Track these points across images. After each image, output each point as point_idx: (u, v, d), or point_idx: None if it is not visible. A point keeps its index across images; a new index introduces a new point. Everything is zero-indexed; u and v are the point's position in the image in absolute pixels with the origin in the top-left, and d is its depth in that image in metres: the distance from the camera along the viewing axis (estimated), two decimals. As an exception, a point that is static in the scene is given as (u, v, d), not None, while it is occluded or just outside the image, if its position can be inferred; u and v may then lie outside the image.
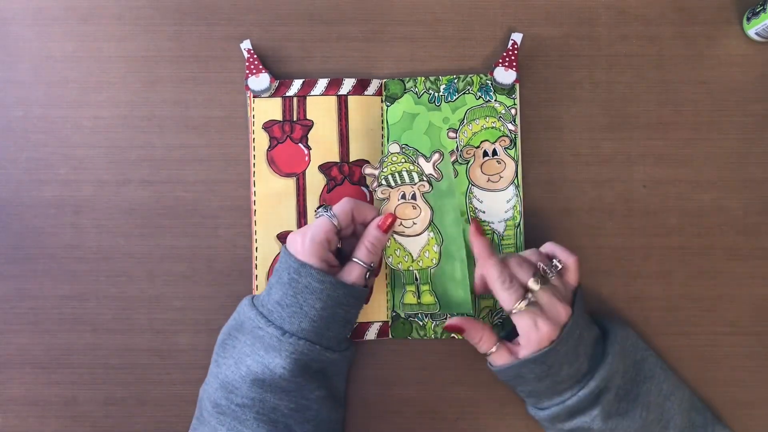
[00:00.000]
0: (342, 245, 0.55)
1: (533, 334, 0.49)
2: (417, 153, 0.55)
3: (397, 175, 0.53)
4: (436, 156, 0.53)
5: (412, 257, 0.55)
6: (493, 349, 0.52)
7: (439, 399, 0.58)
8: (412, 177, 0.53)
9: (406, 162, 0.53)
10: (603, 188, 0.59)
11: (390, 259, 0.55)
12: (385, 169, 0.54)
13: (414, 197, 0.53)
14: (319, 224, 0.50)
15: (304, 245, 0.49)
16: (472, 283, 0.54)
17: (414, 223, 0.54)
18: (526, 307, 0.49)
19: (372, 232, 0.52)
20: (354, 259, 0.51)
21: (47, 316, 0.58)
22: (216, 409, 0.49)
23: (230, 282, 0.58)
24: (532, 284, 0.50)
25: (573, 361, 0.50)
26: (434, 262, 0.55)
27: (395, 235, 0.54)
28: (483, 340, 0.52)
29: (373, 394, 0.58)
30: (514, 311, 0.49)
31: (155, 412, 0.58)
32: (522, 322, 0.49)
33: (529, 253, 0.53)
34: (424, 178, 0.53)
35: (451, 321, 0.53)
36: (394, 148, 0.54)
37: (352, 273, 0.50)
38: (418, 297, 0.56)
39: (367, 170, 0.55)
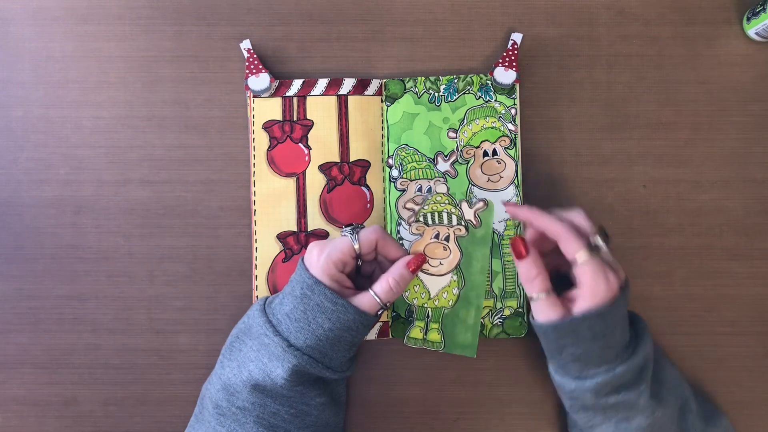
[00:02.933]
0: (362, 266, 0.53)
1: (602, 285, 0.46)
2: (462, 198, 0.54)
3: (437, 214, 0.53)
4: (480, 204, 0.52)
5: (429, 295, 0.54)
6: (543, 295, 0.48)
7: (439, 399, 0.58)
8: (451, 219, 0.52)
9: (449, 204, 0.53)
10: (603, 188, 0.59)
11: (407, 293, 0.54)
12: (426, 207, 0.53)
13: (447, 239, 0.53)
14: (339, 244, 0.49)
15: (319, 260, 0.48)
16: (479, 330, 0.54)
17: (441, 264, 0.53)
18: (592, 257, 0.46)
19: (399, 270, 0.49)
20: (371, 292, 0.49)
21: (47, 316, 0.58)
22: (217, 410, 0.49)
23: (230, 282, 0.58)
24: (598, 240, 0.47)
25: (624, 326, 0.48)
26: (450, 303, 0.54)
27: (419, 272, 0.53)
28: (538, 280, 0.48)
29: (373, 394, 0.58)
30: (579, 259, 0.46)
31: (155, 412, 0.58)
32: (591, 272, 0.46)
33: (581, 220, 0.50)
34: (462, 223, 0.52)
35: (519, 240, 0.49)
36: (442, 188, 0.53)
37: (364, 303, 0.48)
38: (425, 333, 0.55)
39: (408, 204, 0.54)
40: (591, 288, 0.46)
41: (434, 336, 0.55)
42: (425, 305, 0.54)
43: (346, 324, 0.48)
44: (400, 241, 0.58)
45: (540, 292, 0.48)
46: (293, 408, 0.49)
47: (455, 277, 0.53)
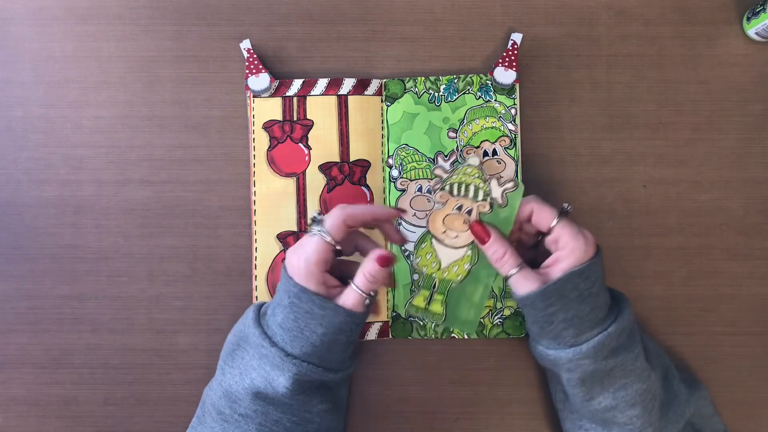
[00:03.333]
0: (342, 248, 0.52)
1: (581, 240, 0.47)
2: (491, 174, 0.52)
3: (464, 186, 0.51)
4: (510, 184, 0.51)
5: (440, 266, 0.53)
6: (515, 270, 0.48)
7: (439, 399, 0.58)
8: (477, 194, 0.51)
9: (478, 178, 0.51)
10: (603, 188, 0.59)
11: (418, 260, 0.53)
12: (454, 176, 0.52)
13: (470, 213, 0.51)
14: (313, 245, 0.48)
15: (300, 266, 0.47)
16: (483, 309, 0.54)
17: (457, 237, 0.52)
18: (566, 219, 0.48)
19: (370, 266, 0.48)
20: (352, 285, 0.48)
21: (47, 316, 0.58)
22: (220, 416, 0.49)
23: (230, 282, 0.58)
24: (566, 207, 0.49)
25: (605, 287, 0.49)
26: (459, 278, 0.54)
27: (433, 240, 0.52)
28: (507, 257, 0.49)
29: (373, 394, 0.58)
30: (554, 223, 0.48)
31: (155, 412, 0.58)
32: (569, 231, 0.48)
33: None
34: (488, 199, 0.51)
35: (479, 225, 0.50)
36: (475, 161, 0.52)
37: (349, 298, 0.48)
38: (428, 303, 0.55)
39: (437, 171, 0.52)
40: (571, 247, 0.47)
41: (437, 307, 0.54)
42: (434, 275, 0.54)
43: (338, 326, 0.47)
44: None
45: (513, 267, 0.48)
46: (295, 416, 0.49)
47: (469, 253, 0.53)
